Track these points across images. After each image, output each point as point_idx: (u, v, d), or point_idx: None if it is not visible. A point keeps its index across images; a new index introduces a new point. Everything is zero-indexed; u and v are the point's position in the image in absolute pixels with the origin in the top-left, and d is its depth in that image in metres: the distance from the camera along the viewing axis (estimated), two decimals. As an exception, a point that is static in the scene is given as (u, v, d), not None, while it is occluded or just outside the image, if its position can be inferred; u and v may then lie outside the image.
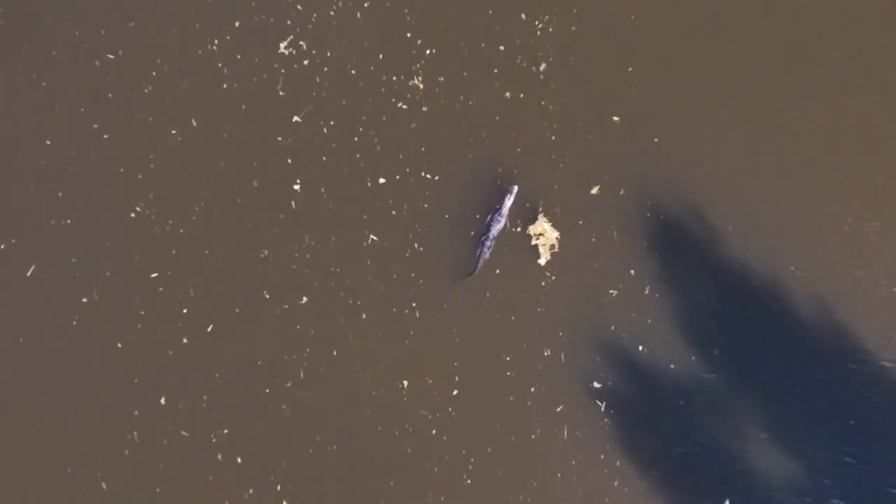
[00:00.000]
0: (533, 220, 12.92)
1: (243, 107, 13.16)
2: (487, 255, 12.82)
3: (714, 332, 12.70)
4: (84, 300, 12.95)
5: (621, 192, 12.98)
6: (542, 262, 12.88)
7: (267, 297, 12.93)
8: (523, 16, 13.33)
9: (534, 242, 12.91)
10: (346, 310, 12.90)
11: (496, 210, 12.86)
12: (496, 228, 12.81)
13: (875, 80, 13.11)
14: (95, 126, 13.21)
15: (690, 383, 12.62)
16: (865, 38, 13.20)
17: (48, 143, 13.23)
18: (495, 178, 13.07)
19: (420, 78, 13.22)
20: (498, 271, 12.97)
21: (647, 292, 12.83)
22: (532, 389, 12.75)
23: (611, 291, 12.81)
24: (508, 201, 12.84)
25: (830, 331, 12.65)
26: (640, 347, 12.72)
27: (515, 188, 12.87)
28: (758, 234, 12.83)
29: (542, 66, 13.25)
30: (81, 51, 13.32)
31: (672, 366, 12.65)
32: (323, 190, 13.05)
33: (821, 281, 12.74)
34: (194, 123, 13.19)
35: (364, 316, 12.91)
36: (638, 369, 12.70)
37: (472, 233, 13.00)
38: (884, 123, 13.01)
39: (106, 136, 13.22)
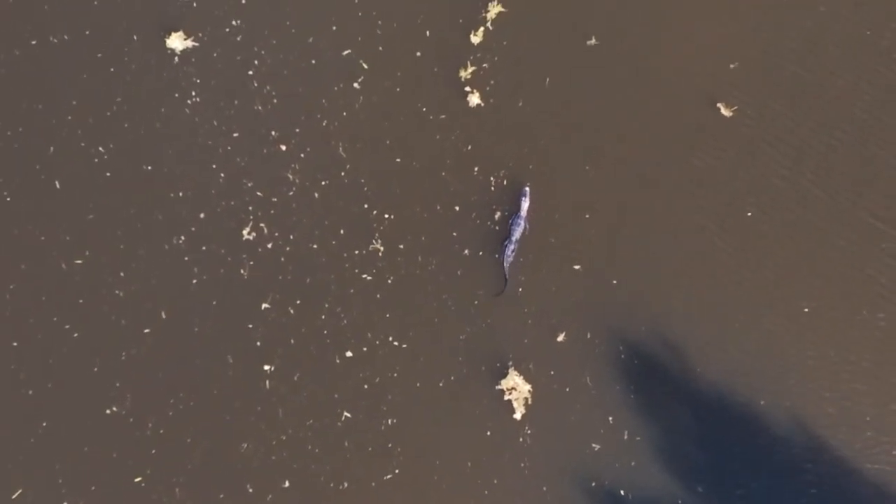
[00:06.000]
0: (504, 375, 12.91)
1: (213, 301, 13.34)
2: (511, 258, 12.94)
3: (696, 468, 12.65)
4: (70, 509, 13.07)
5: (588, 336, 12.98)
6: (517, 416, 12.87)
7: (250, 490, 12.98)
8: (476, 170, 13.47)
9: (507, 398, 12.90)
10: (328, 491, 12.92)
11: (515, 214, 13.02)
12: (517, 232, 12.99)
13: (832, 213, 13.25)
14: (67, 327, 13.37)
15: (677, 524, 12.52)
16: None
17: (15, 344, 13.36)
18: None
19: (380, 242, 13.36)
20: (489, 433, 12.91)
21: (626, 437, 12.74)
22: (521, 550, 12.66)
23: (593, 445, 12.74)
24: (525, 203, 13.05)
25: (813, 461, 12.50)
26: (623, 493, 12.61)
27: (527, 189, 13.01)
28: (728, 365, 12.80)
29: (497, 216, 13.36)
30: (49, 257, 13.54)
31: (658, 507, 12.56)
32: (295, 376, 13.16)
33: (795, 410, 12.64)
34: (164, 316, 13.34)
35: (346, 486, 12.86)
36: (624, 516, 12.62)
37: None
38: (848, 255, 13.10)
39: (76, 335, 13.35)
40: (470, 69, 13.63)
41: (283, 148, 13.66)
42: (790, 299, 13.00)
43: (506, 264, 12.92)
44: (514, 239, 12.92)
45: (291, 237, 13.49)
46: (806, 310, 12.95)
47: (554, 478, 12.72)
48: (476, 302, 13.16)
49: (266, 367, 13.19)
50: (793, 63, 13.53)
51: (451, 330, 13.12)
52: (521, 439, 12.84)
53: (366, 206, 13.53)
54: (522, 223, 12.97)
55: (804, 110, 13.40)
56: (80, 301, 13.44)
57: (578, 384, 12.91)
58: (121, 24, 13.82)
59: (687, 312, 12.95)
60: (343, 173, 13.57)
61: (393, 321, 13.19)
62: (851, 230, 13.08)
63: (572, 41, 13.69)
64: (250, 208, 13.59)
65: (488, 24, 13.69)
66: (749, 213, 13.17)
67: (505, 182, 13.51)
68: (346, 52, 13.75)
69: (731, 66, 13.58)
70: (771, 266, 13.08)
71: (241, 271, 13.41)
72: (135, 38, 13.78)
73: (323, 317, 13.26)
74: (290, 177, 13.60)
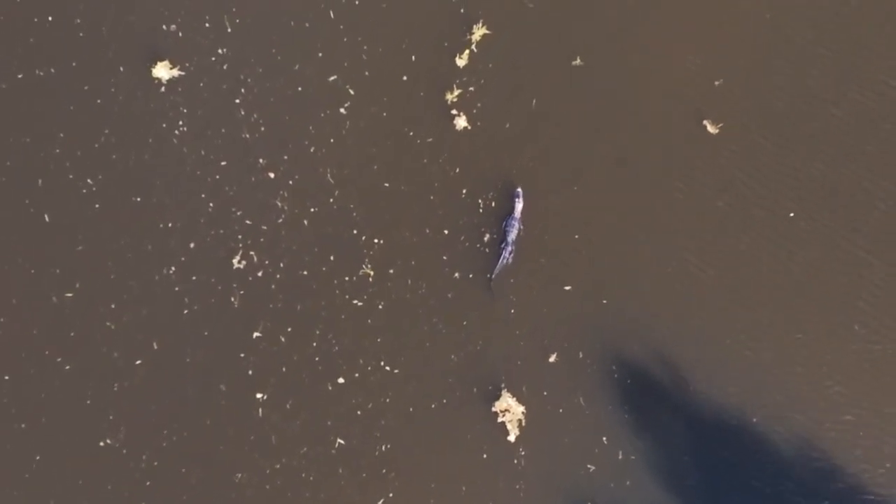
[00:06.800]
0: (497, 397, 12.90)
1: (204, 331, 13.32)
2: (510, 259, 12.98)
3: (691, 487, 12.74)
4: (66, 546, 13.03)
5: (580, 357, 12.99)
6: (511, 438, 12.86)
7: (245, 522, 13.00)
8: (464, 192, 13.47)
9: (500, 420, 12.89)
10: (322, 518, 12.91)
11: (508, 216, 13.09)
12: (513, 234, 13.09)
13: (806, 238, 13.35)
14: (59, 360, 13.35)
15: (673, 543, 12.51)
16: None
17: (7, 378, 13.36)
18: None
19: (370, 267, 13.35)
20: (484, 456, 12.97)
21: (620, 457, 12.74)
22: (519, 575, 12.63)
23: (588, 466, 12.73)
24: (519, 205, 13.15)
25: (807, 480, 12.50)
26: (620, 513, 12.64)
27: (520, 190, 13.11)
28: (721, 383, 12.82)
29: (486, 238, 13.36)
30: (40, 291, 13.52)
31: (654, 526, 12.56)
32: (288, 404, 13.15)
33: (789, 428, 12.67)
34: (155, 347, 13.32)
35: (342, 513, 12.93)
36: (620, 536, 12.61)
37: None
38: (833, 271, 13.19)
39: (68, 368, 13.32)
40: (456, 92, 13.66)
41: (272, 175, 13.67)
42: (783, 325, 13.01)
43: (499, 265, 12.94)
44: (509, 240, 13.00)
45: (281, 265, 13.49)
46: (799, 336, 12.94)
47: (550, 500, 12.71)
48: (465, 323, 13.13)
49: (258, 396, 13.18)
50: (777, 80, 13.56)
51: (443, 353, 13.12)
52: (515, 461, 12.82)
53: (355, 231, 13.53)
54: (517, 224, 13.02)
55: (788, 137, 13.42)
56: (72, 334, 13.42)
57: (572, 405, 12.90)
58: (107, 56, 13.85)
59: (679, 332, 12.96)
60: (332, 199, 13.57)
61: (384, 346, 13.18)
62: (842, 261, 13.09)
63: (558, 62, 13.73)
64: (240, 237, 13.59)
65: (473, 47, 13.73)
66: (737, 240, 13.16)
67: (493, 204, 13.51)
68: (332, 78, 13.78)
69: (716, 83, 13.59)
70: (762, 291, 13.08)
71: (232, 300, 13.40)
72: (121, 69, 13.82)
73: (314, 344, 13.25)
74: (279, 204, 13.60)
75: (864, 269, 13.04)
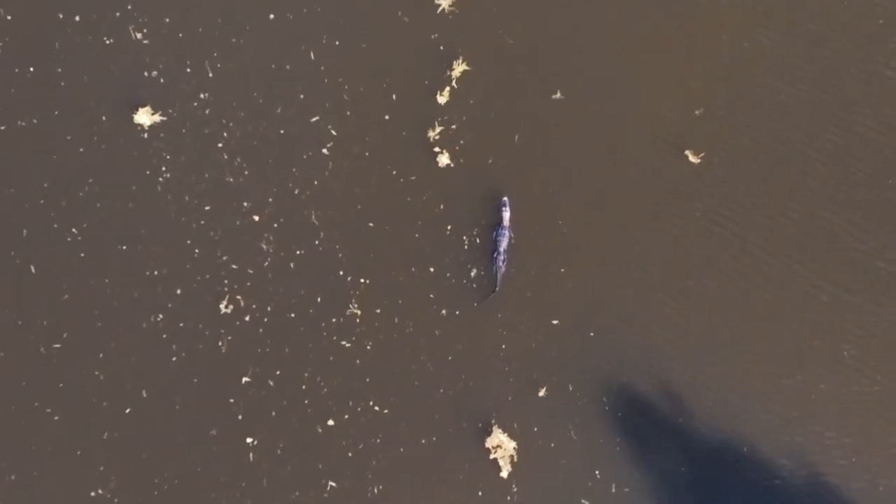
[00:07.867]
0: (488, 433, 12.87)
1: (193, 378, 13.29)
2: (504, 268, 13.04)
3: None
4: None
5: (570, 389, 12.98)
6: (504, 474, 12.82)
7: (240, 573, 12.94)
8: (448, 229, 13.47)
9: (492, 456, 12.87)
10: (316, 563, 12.85)
11: (498, 225, 13.10)
12: (504, 242, 13.12)
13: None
14: (48, 411, 13.30)
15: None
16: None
17: (-1, 426, 13.36)
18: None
19: (357, 307, 13.34)
20: (480, 493, 12.96)
21: (613, 490, 12.70)
22: None
23: (582, 501, 12.70)
24: (506, 213, 13.17)
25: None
26: (614, 546, 12.60)
27: (506, 199, 13.13)
28: (711, 414, 12.78)
29: (473, 274, 13.36)
30: (27, 342, 13.49)
31: (650, 558, 12.51)
32: (278, 448, 13.11)
33: (780, 467, 12.74)
34: (145, 395, 13.29)
35: (334, 558, 12.87)
36: (616, 572, 12.57)
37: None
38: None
39: (58, 419, 13.28)
40: (438, 129, 13.69)
41: (256, 219, 13.68)
42: (770, 367, 13.06)
43: (498, 276, 12.97)
44: (501, 250, 13.07)
45: (269, 308, 13.47)
46: (786, 382, 12.95)
47: (544, 537, 12.65)
48: (453, 360, 13.11)
49: (249, 441, 13.14)
50: (757, 114, 13.58)
51: (433, 391, 13.11)
52: (509, 498, 12.80)
53: (341, 272, 13.53)
54: (507, 233, 13.05)
55: (766, 179, 13.46)
56: (61, 384, 13.39)
57: (563, 439, 12.88)
58: (89, 105, 13.86)
59: (668, 364, 12.94)
60: (317, 241, 13.58)
61: (373, 386, 13.16)
62: (825, 304, 13.11)
63: (538, 96, 13.76)
64: (226, 282, 13.58)
65: (454, 84, 13.76)
66: (722, 283, 13.19)
67: (478, 240, 13.51)
68: (314, 120, 13.81)
69: (697, 112, 13.62)
70: (747, 334, 13.13)
71: (220, 345, 13.38)
72: (103, 118, 13.82)
73: (303, 387, 13.23)
74: (265, 247, 13.60)
75: (848, 312, 13.02)
